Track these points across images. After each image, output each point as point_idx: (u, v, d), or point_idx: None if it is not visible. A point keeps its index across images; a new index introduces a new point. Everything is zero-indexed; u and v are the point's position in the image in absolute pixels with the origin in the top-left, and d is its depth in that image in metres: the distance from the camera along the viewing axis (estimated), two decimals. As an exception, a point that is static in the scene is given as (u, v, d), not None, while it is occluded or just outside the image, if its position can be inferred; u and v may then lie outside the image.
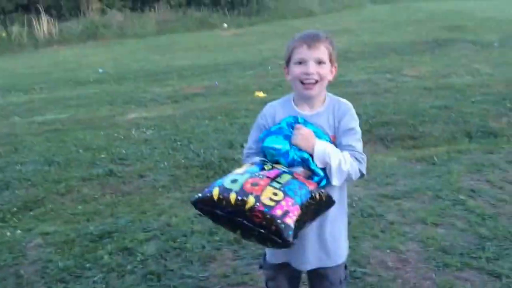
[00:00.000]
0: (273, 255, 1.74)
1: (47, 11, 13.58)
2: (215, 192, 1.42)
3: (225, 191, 1.41)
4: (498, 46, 9.07)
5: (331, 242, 1.65)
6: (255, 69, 8.29)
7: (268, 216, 1.36)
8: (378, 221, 2.85)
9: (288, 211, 1.38)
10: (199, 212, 1.51)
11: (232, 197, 1.40)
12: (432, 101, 5.49)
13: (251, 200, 1.38)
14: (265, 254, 1.81)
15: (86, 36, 13.28)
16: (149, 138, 4.67)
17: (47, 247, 2.73)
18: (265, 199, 1.39)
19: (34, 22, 13.06)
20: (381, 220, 2.86)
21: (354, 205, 3.03)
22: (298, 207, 1.40)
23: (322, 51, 1.55)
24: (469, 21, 11.95)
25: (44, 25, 13.16)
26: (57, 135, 4.92)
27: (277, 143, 1.54)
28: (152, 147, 4.43)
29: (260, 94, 6.43)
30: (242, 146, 4.36)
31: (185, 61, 9.38)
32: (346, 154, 1.53)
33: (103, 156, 4.25)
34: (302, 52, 1.55)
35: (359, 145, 1.59)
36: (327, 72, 1.58)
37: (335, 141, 1.59)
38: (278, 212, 1.38)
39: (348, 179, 1.55)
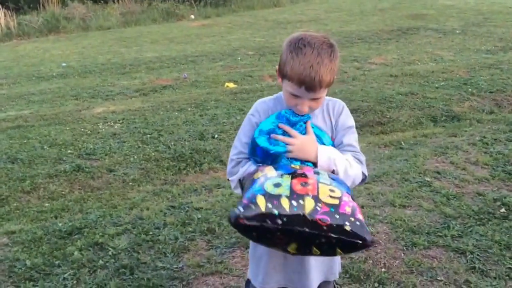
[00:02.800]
0: (266, 280, 1.50)
1: (4, 4, 12.95)
2: (260, 201, 1.14)
3: (272, 198, 1.14)
4: (460, 33, 9.37)
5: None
6: (224, 60, 8.23)
7: (337, 216, 1.13)
8: (349, 205, 2.91)
9: (355, 207, 1.17)
10: (238, 231, 1.21)
11: (285, 202, 1.13)
12: (398, 88, 5.63)
13: (309, 202, 1.14)
14: (248, 281, 1.59)
15: (47, 29, 12.75)
16: (117, 132, 4.57)
17: (14, 246, 2.64)
18: (325, 198, 1.16)
19: (-9, 15, 12.46)
20: (352, 204, 2.92)
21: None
22: (355, 202, 1.21)
23: (322, 91, 1.33)
24: (431, 10, 12.26)
25: (1, 18, 12.55)
26: (20, 132, 4.73)
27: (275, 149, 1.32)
28: (120, 141, 4.34)
29: (230, 85, 6.40)
30: (213, 137, 4.34)
31: (153, 53, 9.19)
32: (349, 156, 1.38)
33: (69, 151, 4.13)
34: (299, 91, 1.32)
35: (358, 145, 1.46)
36: (322, 102, 1.39)
37: (333, 141, 1.45)
38: (347, 209, 1.15)
39: (352, 185, 1.38)
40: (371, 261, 2.34)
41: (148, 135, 4.44)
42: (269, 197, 1.15)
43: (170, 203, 3.11)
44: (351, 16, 12.14)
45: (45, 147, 4.24)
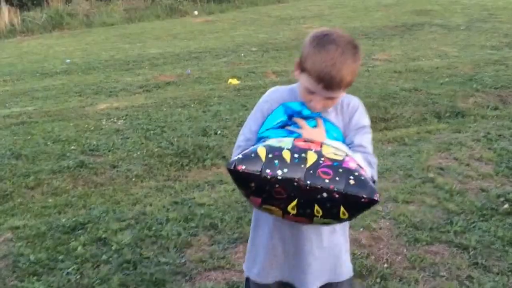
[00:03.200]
0: (262, 274, 1.46)
1: (8, 0, 12.99)
2: (261, 151, 1.11)
3: (273, 149, 1.11)
4: (465, 29, 9.30)
5: (342, 251, 1.47)
6: (227, 56, 8.21)
7: (340, 170, 1.09)
8: (352, 201, 2.90)
9: (360, 167, 1.13)
10: (235, 180, 1.15)
11: (286, 154, 1.10)
12: (402, 84, 5.61)
13: (311, 156, 1.10)
14: (248, 279, 1.55)
15: (50, 25, 12.78)
16: (121, 128, 4.58)
17: (18, 241, 2.66)
18: (328, 154, 1.12)
19: (-5, 12, 12.50)
20: (355, 200, 2.92)
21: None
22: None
23: (340, 91, 1.30)
24: (436, 5, 12.17)
25: (5, 15, 12.59)
26: (24, 128, 4.75)
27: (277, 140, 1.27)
28: (124, 137, 4.35)
29: (234, 81, 6.39)
30: (216, 133, 4.34)
31: (156, 50, 9.19)
32: (358, 156, 1.31)
33: (73, 148, 4.14)
34: (316, 88, 1.27)
35: (370, 147, 1.39)
36: (336, 102, 1.35)
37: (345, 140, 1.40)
38: (352, 165, 1.11)
39: None
40: (373, 257, 2.35)
41: (151, 131, 4.45)
42: (270, 148, 1.12)
43: (173, 199, 3.12)
44: (355, 12, 12.08)
45: (48, 143, 4.26)
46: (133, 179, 3.61)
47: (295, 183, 1.08)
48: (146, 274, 2.29)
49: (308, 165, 1.09)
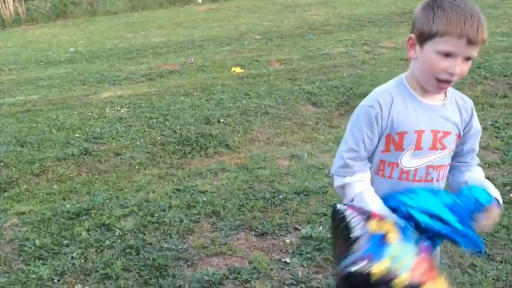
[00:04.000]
0: None
1: (12, -11, 12.99)
2: (379, 268, 1.09)
3: (391, 271, 1.10)
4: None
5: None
6: (231, 44, 8.16)
7: None
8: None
9: None
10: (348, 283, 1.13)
11: (400, 280, 1.09)
12: (408, 72, 5.54)
13: None
14: None
15: (55, 14, 12.78)
16: (124, 117, 4.59)
17: (24, 226, 2.69)
18: None
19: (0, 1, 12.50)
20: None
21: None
22: None
23: (478, 48, 1.22)
24: (444, -8, 11.99)
25: (10, 4, 12.59)
26: (29, 116, 4.77)
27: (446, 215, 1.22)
28: (127, 125, 4.36)
29: (237, 69, 6.36)
30: (219, 122, 4.33)
31: (159, 38, 9.15)
32: (479, 172, 1.39)
33: (77, 135, 4.16)
34: (458, 46, 1.19)
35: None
36: (469, 67, 1.27)
37: (459, 140, 1.36)
38: None
39: None
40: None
41: (154, 120, 4.45)
42: (388, 269, 1.10)
43: (175, 186, 3.13)
44: (361, -1, 11.93)
45: (53, 131, 4.28)
46: (136, 167, 3.62)
47: None
48: (149, 259, 2.31)
49: None
